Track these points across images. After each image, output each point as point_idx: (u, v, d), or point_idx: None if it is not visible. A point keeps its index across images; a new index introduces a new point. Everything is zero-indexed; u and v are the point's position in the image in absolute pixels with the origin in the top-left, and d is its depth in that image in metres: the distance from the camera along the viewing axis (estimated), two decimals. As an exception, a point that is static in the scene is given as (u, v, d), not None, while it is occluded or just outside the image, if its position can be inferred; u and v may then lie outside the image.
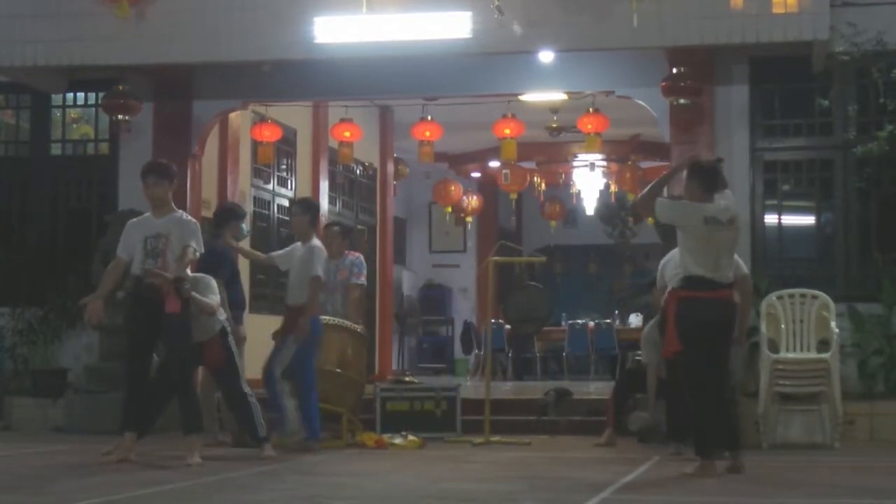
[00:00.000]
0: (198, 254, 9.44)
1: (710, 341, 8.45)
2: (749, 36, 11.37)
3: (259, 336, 11.32)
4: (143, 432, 9.38)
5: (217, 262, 10.53)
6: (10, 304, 13.19)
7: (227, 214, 11.27)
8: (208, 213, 13.02)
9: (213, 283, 9.83)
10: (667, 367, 10.05)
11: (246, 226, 11.76)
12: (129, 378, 9.42)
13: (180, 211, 9.70)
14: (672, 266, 9.99)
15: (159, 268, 9.21)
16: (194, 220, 9.72)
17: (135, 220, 9.69)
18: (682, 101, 11.87)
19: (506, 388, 15.98)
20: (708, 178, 8.62)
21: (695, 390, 8.53)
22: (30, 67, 12.74)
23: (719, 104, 12.27)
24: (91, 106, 13.91)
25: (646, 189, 8.88)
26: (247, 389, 9.88)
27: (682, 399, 9.30)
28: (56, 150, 13.99)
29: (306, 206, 10.93)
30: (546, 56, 12.44)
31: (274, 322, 11.40)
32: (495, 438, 11.04)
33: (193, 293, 9.37)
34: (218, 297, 9.80)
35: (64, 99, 13.91)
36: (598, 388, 14.89)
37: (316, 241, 10.59)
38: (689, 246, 8.60)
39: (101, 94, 13.18)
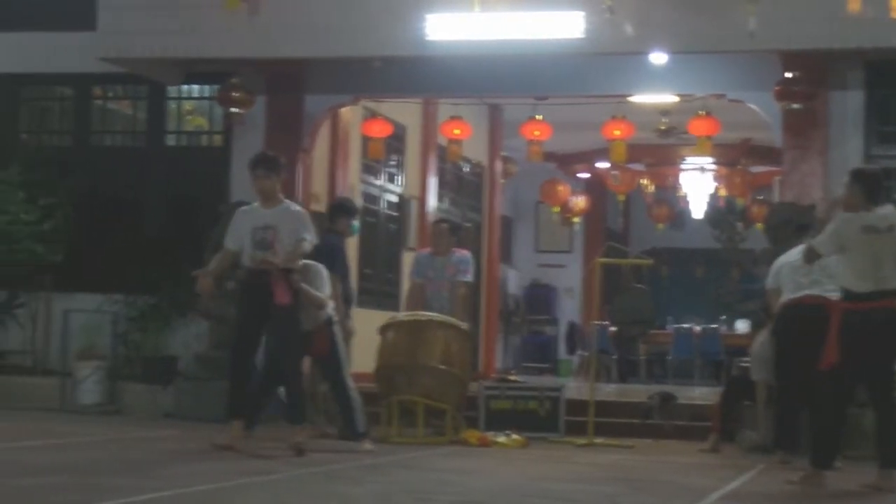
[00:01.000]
0: (311, 246, 9.40)
1: (864, 351, 8.26)
2: (865, 40, 11.21)
3: (365, 330, 11.38)
4: (251, 422, 9.45)
5: (332, 256, 10.46)
6: (123, 291, 13.43)
7: (339, 210, 11.30)
8: (318, 207, 13.14)
9: (324, 271, 9.85)
10: (779, 379, 9.92)
11: (357, 222, 11.78)
12: (234, 366, 9.44)
13: (288, 201, 9.56)
14: (789, 269, 9.83)
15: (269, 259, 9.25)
16: (304, 210, 9.66)
17: (244, 208, 9.59)
18: (795, 105, 11.72)
19: (609, 390, 15.90)
20: (871, 184, 8.45)
21: (828, 399, 8.40)
22: (146, 59, 12.99)
23: (833, 109, 12.10)
24: (206, 98, 14.13)
25: (808, 247, 8.76)
26: (350, 383, 9.94)
27: (795, 409, 9.17)
28: (171, 140, 14.26)
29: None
30: (658, 58, 12.36)
31: (380, 317, 11.47)
32: (598, 440, 11.01)
33: (304, 285, 9.45)
34: (329, 287, 9.85)
35: (179, 91, 14.13)
36: (702, 394, 14.77)
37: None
38: (848, 259, 8.41)
39: (215, 87, 13.37)
